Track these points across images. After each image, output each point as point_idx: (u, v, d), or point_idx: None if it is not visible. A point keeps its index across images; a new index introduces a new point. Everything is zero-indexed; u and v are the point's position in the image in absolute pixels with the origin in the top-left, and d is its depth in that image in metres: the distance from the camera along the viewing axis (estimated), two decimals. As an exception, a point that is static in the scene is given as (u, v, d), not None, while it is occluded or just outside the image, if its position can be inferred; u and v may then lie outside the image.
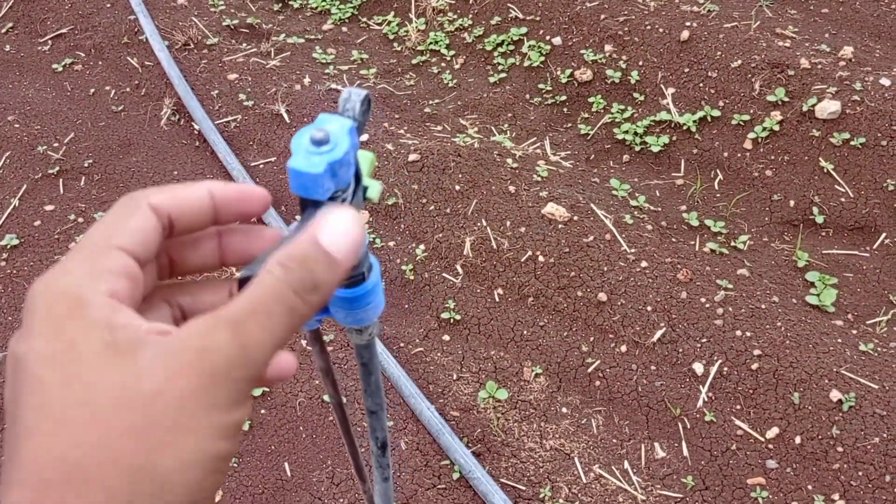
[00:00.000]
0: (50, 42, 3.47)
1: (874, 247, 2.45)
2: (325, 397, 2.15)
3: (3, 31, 3.56)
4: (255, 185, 0.45)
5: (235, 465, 2.05)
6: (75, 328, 0.34)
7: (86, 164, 2.89)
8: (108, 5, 3.56)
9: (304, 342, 2.30)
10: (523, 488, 1.98)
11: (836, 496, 1.86)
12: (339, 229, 0.38)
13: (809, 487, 1.89)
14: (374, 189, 0.50)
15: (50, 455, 0.32)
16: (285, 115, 2.93)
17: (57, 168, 2.87)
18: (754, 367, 2.05)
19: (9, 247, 2.60)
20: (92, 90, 3.21)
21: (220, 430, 0.33)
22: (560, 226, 2.39)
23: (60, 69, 3.32)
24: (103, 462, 0.31)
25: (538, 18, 3.29)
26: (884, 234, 2.46)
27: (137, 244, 0.38)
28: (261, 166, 2.83)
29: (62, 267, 0.36)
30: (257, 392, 2.17)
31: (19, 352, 0.34)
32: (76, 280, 0.35)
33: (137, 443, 0.31)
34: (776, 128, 2.68)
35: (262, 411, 2.16)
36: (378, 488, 0.79)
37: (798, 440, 1.95)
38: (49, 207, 2.73)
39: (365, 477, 0.78)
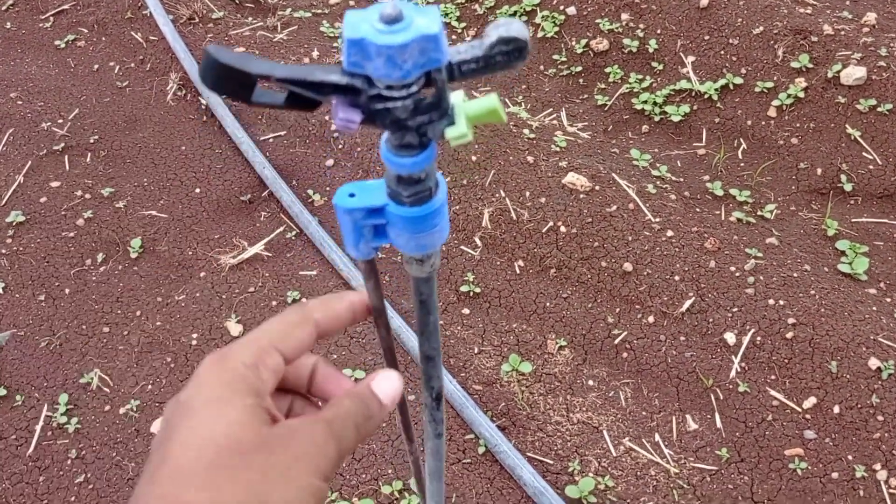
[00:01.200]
0: (52, 18, 3.39)
1: (905, 214, 2.38)
2: (346, 370, 2.09)
3: (4, 8, 3.47)
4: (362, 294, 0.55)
5: (253, 441, 1.99)
6: (244, 402, 0.44)
7: (91, 141, 2.82)
8: (111, -19, 3.48)
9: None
10: (551, 462, 1.91)
11: (877, 466, 1.79)
12: (388, 385, 0.52)
13: (850, 458, 1.82)
14: (457, 131, 0.42)
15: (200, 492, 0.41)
16: (295, 88, 2.85)
17: (62, 144, 2.79)
18: (789, 336, 1.99)
19: (14, 223, 2.52)
20: (96, 66, 3.14)
21: (324, 490, 0.46)
22: (581, 195, 2.32)
23: (63, 46, 3.24)
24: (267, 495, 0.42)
25: (552, -11, 3.21)
26: (914, 202, 2.39)
27: (293, 352, 0.49)
28: (270, 140, 2.75)
29: (237, 351, 0.47)
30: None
31: (183, 398, 0.45)
32: (248, 364, 0.46)
33: (288, 486, 0.43)
34: (801, 95, 2.60)
35: (280, 387, 2.09)
36: (430, 446, 0.72)
37: (837, 410, 1.88)
38: (55, 184, 2.66)
39: (412, 436, 0.71)
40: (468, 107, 0.42)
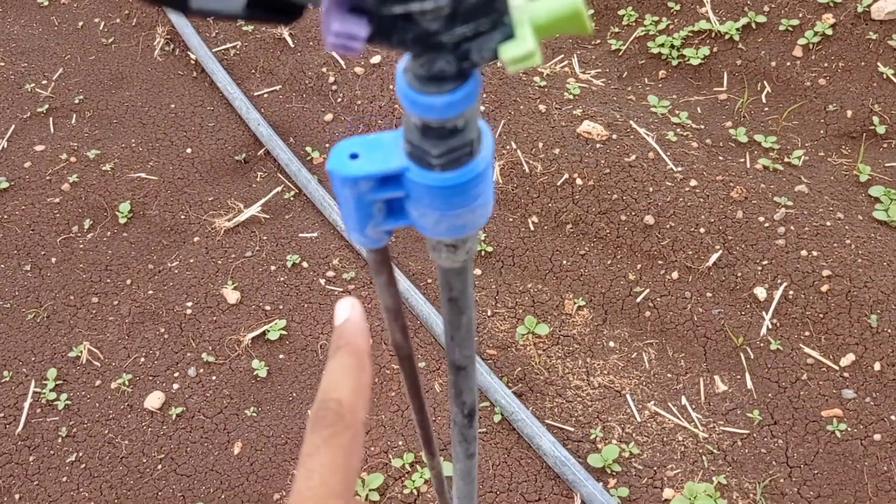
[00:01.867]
0: (32, -25, 3.22)
1: (942, 157, 2.23)
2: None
3: (-18, -35, 3.31)
4: None
5: (255, 414, 1.88)
6: None
7: (76, 101, 2.67)
8: (93, -67, 3.30)
9: (342, 282, 2.11)
10: (571, 429, 1.79)
11: (924, 427, 1.67)
12: None
13: (893, 418, 1.70)
14: (520, 49, 0.26)
15: None
16: (289, 40, 2.70)
17: (46, 106, 2.65)
18: (824, 289, 1.85)
19: (-3, 190, 2.39)
20: (80, 23, 2.98)
21: None
22: (598, 145, 2.17)
23: (46, 3, 3.08)
24: None
25: (559, -72, 3.02)
26: (953, 143, 2.24)
27: None
28: (265, 96, 2.60)
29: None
30: (274, 335, 1.98)
31: None
32: None
33: None
34: (829, 32, 2.43)
35: (281, 356, 1.97)
36: (460, 468, 0.57)
37: (877, 366, 1.75)
38: (39, 148, 2.52)
39: (435, 451, 0.57)
40: (536, 9, 0.27)
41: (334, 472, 0.36)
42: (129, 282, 2.15)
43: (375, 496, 1.70)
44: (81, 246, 2.25)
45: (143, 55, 2.81)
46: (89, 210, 2.33)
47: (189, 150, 2.47)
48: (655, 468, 1.72)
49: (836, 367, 1.78)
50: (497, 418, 1.80)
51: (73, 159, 2.46)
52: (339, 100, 2.51)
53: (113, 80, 2.73)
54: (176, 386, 1.94)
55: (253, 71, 2.67)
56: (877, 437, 1.68)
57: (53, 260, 2.22)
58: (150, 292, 2.12)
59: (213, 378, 1.94)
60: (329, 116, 2.48)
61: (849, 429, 1.70)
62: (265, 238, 2.22)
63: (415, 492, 1.72)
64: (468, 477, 0.57)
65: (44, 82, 2.75)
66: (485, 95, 2.33)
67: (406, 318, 0.42)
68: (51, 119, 2.61)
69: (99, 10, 3.00)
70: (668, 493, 1.67)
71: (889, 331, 1.77)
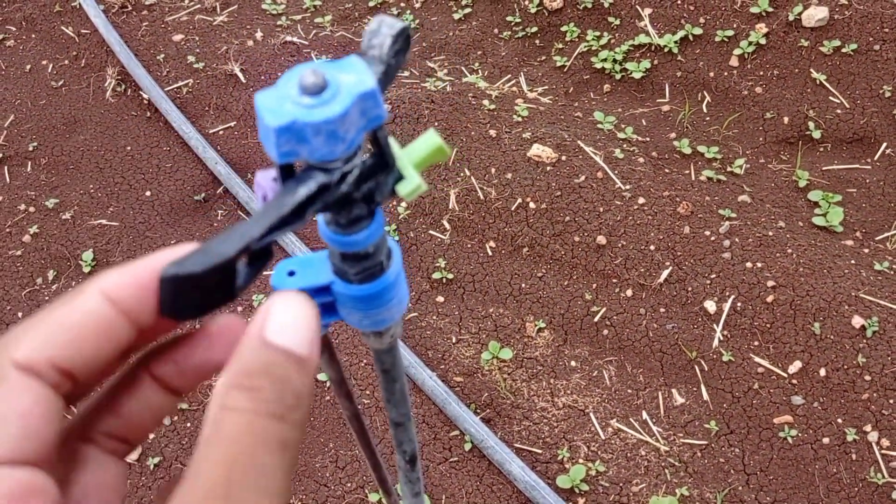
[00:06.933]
0: (-26, 17, 3.19)
1: (875, 158, 2.34)
2: (320, 376, 2.02)
3: (-78, 9, 3.27)
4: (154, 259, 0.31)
5: (232, 458, 1.92)
6: None
7: (30, 148, 2.67)
8: (33, -29, 3.28)
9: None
10: (539, 451, 1.87)
11: (867, 427, 1.77)
12: (289, 317, 0.30)
13: (839, 421, 1.80)
14: (410, 185, 0.35)
15: None
16: (240, 75, 2.72)
17: (0, 155, 2.65)
18: (769, 299, 1.94)
19: (-43, 246, 2.40)
20: (28, 67, 2.97)
21: None
22: (548, 168, 2.24)
23: (-10, 46, 3.06)
24: None
25: (499, -55, 3.08)
26: (884, 144, 2.35)
27: (28, 445, 0.25)
28: (220, 133, 2.63)
29: None
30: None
31: None
32: None
33: None
34: (762, 41, 2.53)
35: (254, 398, 2.02)
36: None
37: (823, 372, 1.85)
38: (-4, 199, 2.52)
39: (390, 490, 0.67)
40: (411, 152, 0.36)
41: None
42: (97, 332, 2.18)
43: (355, 532, 1.76)
44: (47, 298, 2.27)
45: (94, 97, 2.82)
46: (52, 261, 2.35)
47: (148, 193, 2.49)
48: (621, 484, 1.80)
49: (785, 375, 1.88)
50: (468, 447, 1.87)
51: (31, 209, 2.47)
52: (294, 133, 2.55)
53: (66, 125, 2.74)
54: (151, 436, 1.98)
55: (206, 108, 2.70)
56: (825, 440, 1.78)
57: (20, 314, 2.24)
58: (120, 342, 2.15)
59: (188, 425, 1.98)
60: (285, 151, 2.52)
61: (799, 434, 1.80)
62: (230, 278, 2.26)
63: (393, 524, 1.78)
64: None
65: (-5, 129, 2.74)
66: (437, 123, 2.39)
67: (349, 385, 0.52)
68: (5, 168, 2.62)
69: (46, 52, 3.00)
70: (633, 507, 1.76)
71: (832, 337, 1.87)
